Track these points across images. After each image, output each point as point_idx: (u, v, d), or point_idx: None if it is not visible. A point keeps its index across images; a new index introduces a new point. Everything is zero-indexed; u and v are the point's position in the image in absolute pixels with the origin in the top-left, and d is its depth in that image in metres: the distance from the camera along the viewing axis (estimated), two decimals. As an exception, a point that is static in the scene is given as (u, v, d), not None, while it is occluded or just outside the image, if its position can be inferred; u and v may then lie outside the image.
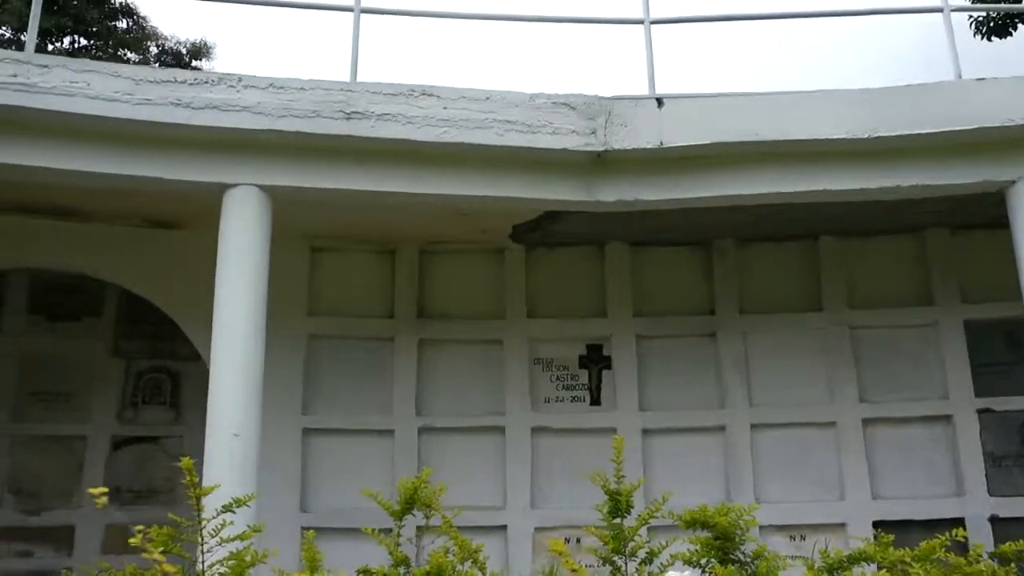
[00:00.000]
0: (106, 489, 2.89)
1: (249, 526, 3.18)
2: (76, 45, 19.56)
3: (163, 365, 7.07)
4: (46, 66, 4.09)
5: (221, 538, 3.00)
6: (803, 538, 5.76)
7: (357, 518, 5.64)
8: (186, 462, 2.94)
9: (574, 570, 2.52)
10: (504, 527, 5.75)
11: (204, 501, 3.15)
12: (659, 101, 4.59)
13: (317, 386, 5.88)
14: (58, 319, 6.85)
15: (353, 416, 5.86)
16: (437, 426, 5.87)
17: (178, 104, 4.22)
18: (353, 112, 4.30)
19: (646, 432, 5.95)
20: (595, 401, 6.10)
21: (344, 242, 6.04)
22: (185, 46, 20.19)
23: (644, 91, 4.83)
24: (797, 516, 5.72)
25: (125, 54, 20.16)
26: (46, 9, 18.21)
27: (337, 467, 5.82)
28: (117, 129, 4.20)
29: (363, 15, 4.69)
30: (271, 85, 4.31)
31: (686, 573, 2.68)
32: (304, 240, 5.89)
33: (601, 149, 4.51)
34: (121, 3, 19.42)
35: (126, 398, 6.96)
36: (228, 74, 4.30)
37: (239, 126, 4.26)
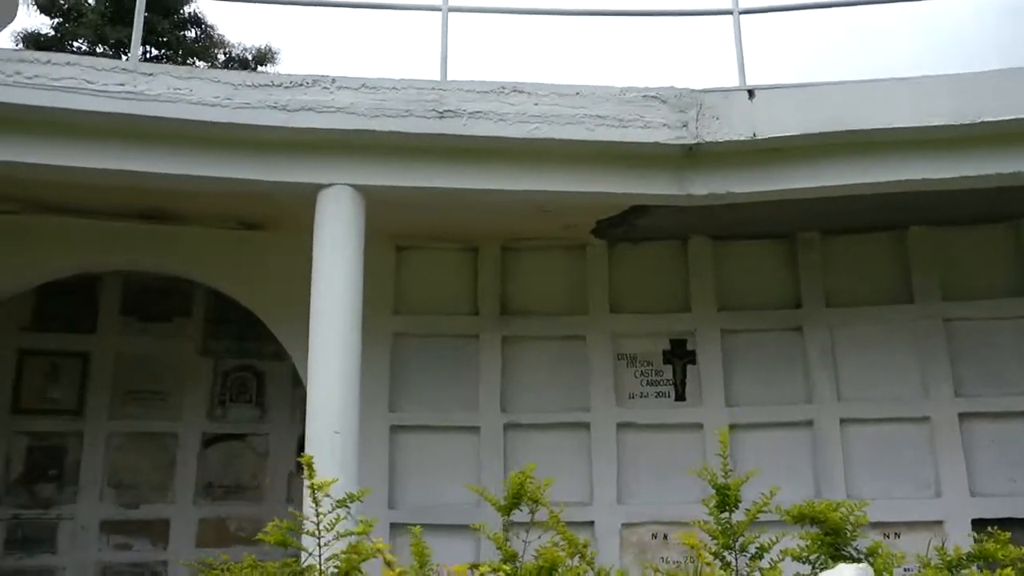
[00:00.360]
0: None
1: (361, 520, 3.22)
2: (148, 56, 20.11)
3: (249, 364, 7.25)
4: (151, 74, 4.22)
5: (338, 532, 3.04)
6: (898, 536, 5.63)
7: (443, 515, 5.73)
8: (306, 457, 3.00)
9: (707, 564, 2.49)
10: (591, 523, 5.73)
11: (308, 496, 3.17)
12: (751, 92, 4.52)
13: (403, 384, 5.94)
14: (150, 320, 7.08)
15: (438, 413, 5.92)
16: (522, 422, 5.89)
17: (275, 107, 4.32)
18: (446, 111, 4.34)
19: (733, 427, 5.87)
20: (680, 396, 6.05)
21: (427, 241, 6.10)
22: (251, 52, 20.60)
23: (730, 83, 4.78)
24: (891, 513, 5.58)
25: (194, 62, 20.67)
26: (119, 21, 18.84)
27: (423, 464, 5.88)
28: (217, 133, 4.31)
29: (450, 13, 4.73)
30: (363, 85, 4.37)
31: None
32: (389, 239, 5.96)
33: (693, 142, 4.47)
34: (190, 13, 19.91)
35: (215, 396, 7.15)
36: (322, 76, 4.37)
37: (333, 127, 4.34)
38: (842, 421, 5.83)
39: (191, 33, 20.44)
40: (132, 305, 7.03)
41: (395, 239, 5.99)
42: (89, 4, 18.89)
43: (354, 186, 4.44)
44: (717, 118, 4.48)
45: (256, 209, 5.63)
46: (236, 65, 20.39)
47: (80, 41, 18.24)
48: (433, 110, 4.35)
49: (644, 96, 4.47)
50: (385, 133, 4.36)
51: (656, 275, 6.18)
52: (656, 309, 6.14)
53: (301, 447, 7.16)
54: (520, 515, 3.38)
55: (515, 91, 4.38)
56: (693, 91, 4.53)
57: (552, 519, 3.45)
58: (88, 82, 4.14)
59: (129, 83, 4.18)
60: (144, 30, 19.92)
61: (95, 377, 6.86)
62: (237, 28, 32.85)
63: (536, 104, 4.38)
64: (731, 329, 6.09)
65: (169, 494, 6.93)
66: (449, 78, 4.57)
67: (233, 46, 20.65)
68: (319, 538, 3.08)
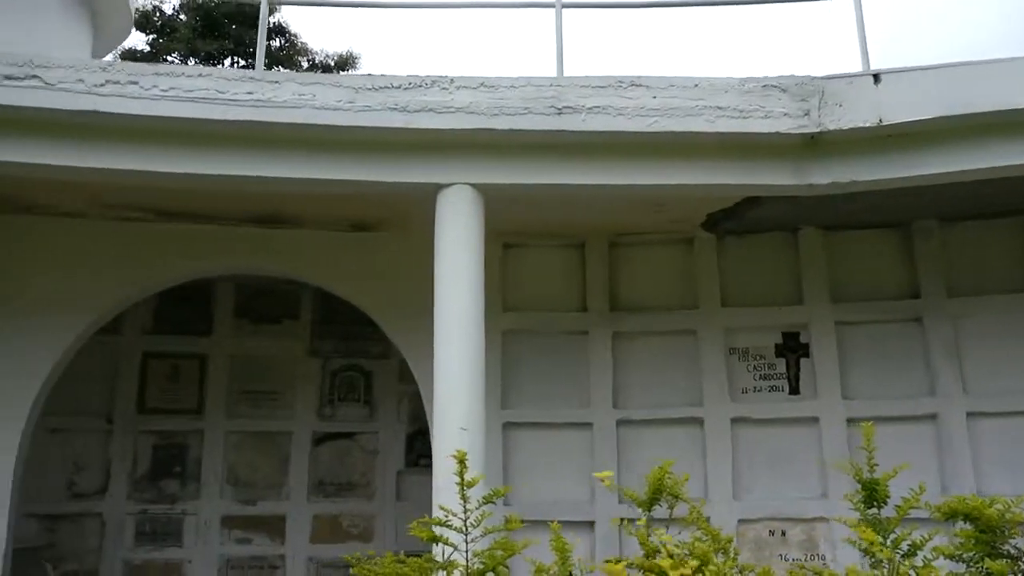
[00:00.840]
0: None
1: (506, 517, 3.24)
2: (236, 66, 20.69)
3: (356, 364, 7.40)
4: (277, 82, 4.34)
5: (486, 528, 3.06)
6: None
7: (556, 511, 5.72)
8: (460, 453, 3.03)
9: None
10: (707, 518, 5.64)
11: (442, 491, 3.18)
12: (875, 77, 4.40)
13: (513, 381, 5.98)
14: (261, 322, 7.29)
15: (549, 410, 5.93)
16: (634, 418, 5.86)
17: (395, 108, 4.39)
18: (564, 107, 4.34)
19: (851, 421, 5.73)
20: (794, 390, 5.93)
21: (534, 238, 6.12)
22: (332, 58, 21.04)
23: (847, 69, 4.65)
24: (1028, 510, 5.35)
25: (279, 70, 21.17)
26: (208, 34, 19.47)
27: (534, 460, 5.90)
28: (340, 136, 4.40)
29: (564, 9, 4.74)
30: (482, 84, 4.40)
31: None
32: (496, 236, 5.99)
33: (815, 130, 4.38)
34: (274, 23, 20.40)
35: (323, 396, 7.33)
36: (440, 76, 4.43)
37: (453, 127, 4.39)
38: (969, 415, 5.63)
39: (276, 42, 20.96)
40: (244, 308, 7.26)
41: (502, 236, 6.03)
42: (181, 20, 19.57)
43: (474, 185, 4.49)
44: (840, 105, 4.37)
45: (369, 211, 5.74)
46: (319, 71, 20.83)
47: (173, 55, 18.90)
48: (552, 106, 4.36)
49: (764, 86, 4.39)
50: (504, 131, 4.39)
51: (766, 267, 6.07)
52: (767, 302, 6.02)
53: (410, 446, 7.33)
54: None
55: (633, 85, 4.35)
56: (814, 78, 4.43)
57: (692, 514, 3.42)
58: (219, 92, 4.28)
59: (257, 91, 4.31)
60: (233, 41, 20.41)
61: (212, 378, 7.12)
62: (318, 36, 33.61)
63: (654, 97, 4.35)
64: (846, 321, 5.94)
65: (284, 491, 7.13)
66: (568, 74, 4.58)
67: (316, 53, 21.13)
68: (466, 534, 3.10)
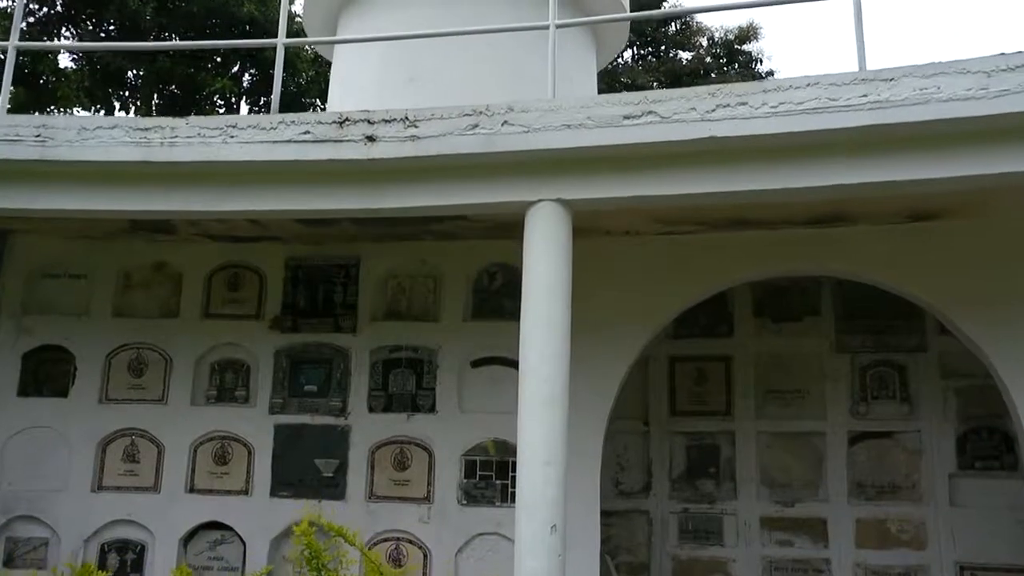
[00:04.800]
0: None
1: None
2: (635, 56, 21.12)
3: (888, 359, 6.95)
4: (892, 79, 4.05)
5: None
6: None
7: None
8: None
9: None
10: None
11: None
12: None
13: None
14: (781, 320, 7.15)
15: None
16: None
17: (1036, 87, 3.86)
18: None
19: None
20: None
21: None
22: (732, 32, 20.55)
23: None
24: None
25: (677, 54, 21.22)
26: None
27: None
28: (970, 128, 3.99)
29: None
30: None
31: None
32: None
33: None
34: (670, 8, 20.43)
35: (854, 393, 6.98)
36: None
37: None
38: None
39: (672, 27, 21.02)
40: (762, 307, 7.16)
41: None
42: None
43: None
44: None
45: (931, 200, 5.27)
46: (719, 50, 20.49)
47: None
48: None
49: None
50: None
51: None
52: None
53: (960, 447, 6.71)
54: None
55: None
56: None
57: None
58: (831, 100, 4.11)
59: (872, 92, 4.06)
60: (635, 34, 20.70)
61: (738, 379, 7.13)
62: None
63: None
64: None
65: (820, 492, 6.92)
66: None
67: (714, 30, 20.81)
68: None
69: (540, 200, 4.55)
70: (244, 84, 16.26)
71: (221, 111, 15.64)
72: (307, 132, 4.61)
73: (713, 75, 19.45)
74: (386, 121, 4.56)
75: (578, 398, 4.72)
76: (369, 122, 4.58)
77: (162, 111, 15.51)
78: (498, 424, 5.96)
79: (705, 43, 20.42)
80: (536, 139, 4.42)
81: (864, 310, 6.90)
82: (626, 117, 4.34)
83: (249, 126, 4.67)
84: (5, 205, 4.91)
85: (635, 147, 4.36)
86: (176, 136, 4.66)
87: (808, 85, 4.17)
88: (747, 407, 7.10)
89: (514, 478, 5.83)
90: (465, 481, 6.04)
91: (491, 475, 6.07)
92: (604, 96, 4.59)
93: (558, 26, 4.70)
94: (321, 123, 4.62)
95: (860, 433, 6.92)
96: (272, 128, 4.63)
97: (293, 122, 4.64)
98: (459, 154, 4.51)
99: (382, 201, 4.73)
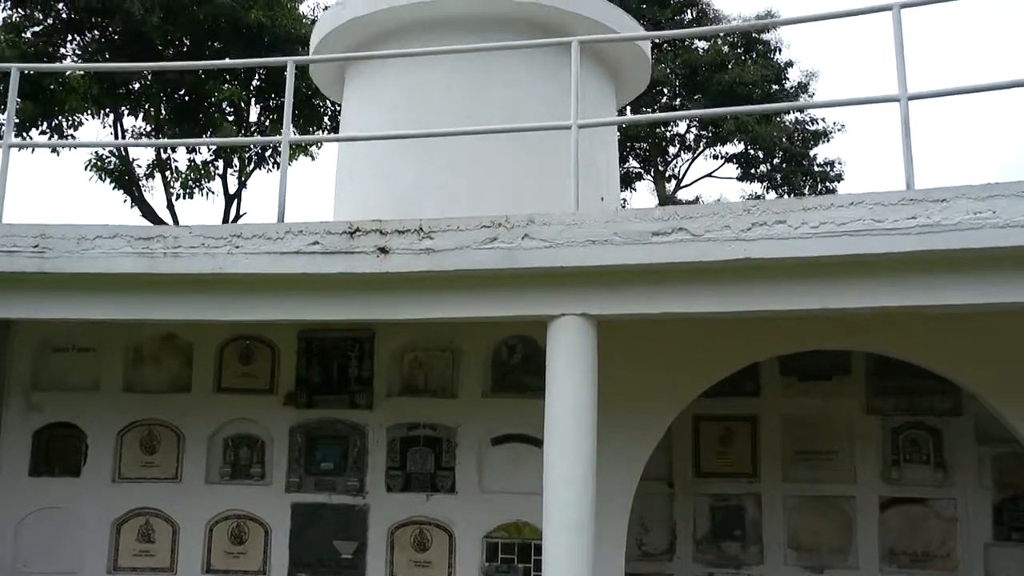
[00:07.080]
0: None
1: None
2: (654, 44, 20.60)
3: (921, 421, 6.71)
4: (944, 200, 3.77)
5: None
6: None
7: None
8: None
9: None
10: None
11: None
12: None
13: None
14: (809, 379, 6.90)
15: None
16: None
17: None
18: None
19: None
20: None
21: None
22: (749, 20, 20.00)
23: None
24: None
25: (693, 44, 20.71)
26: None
27: None
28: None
29: None
30: None
31: None
32: None
33: None
34: (682, -3, 19.88)
35: (886, 456, 6.76)
36: None
37: None
38: None
39: (688, 15, 20.53)
40: (790, 366, 6.91)
41: None
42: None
43: None
44: None
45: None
46: (735, 38, 19.96)
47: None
48: None
49: None
50: None
51: None
52: None
53: (997, 516, 6.49)
54: None
55: None
56: None
57: None
58: (876, 221, 3.84)
59: (921, 215, 3.78)
60: (646, 20, 20.05)
61: (764, 439, 6.92)
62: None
63: None
64: None
65: (850, 558, 6.74)
66: None
67: (731, 19, 20.30)
68: None
69: (563, 315, 4.32)
70: (252, 87, 15.93)
71: (230, 118, 15.36)
72: (316, 243, 4.38)
73: (730, 66, 18.97)
74: (399, 232, 4.33)
75: (604, 473, 4.55)
76: (381, 232, 4.35)
77: (170, 119, 15.25)
78: (519, 505, 5.80)
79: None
80: (558, 255, 4.18)
81: (896, 371, 6.63)
82: (655, 234, 4.09)
83: (255, 235, 4.44)
84: (3, 315, 4.73)
85: (665, 265, 4.11)
86: (179, 246, 4.45)
87: (852, 204, 3.90)
88: (774, 468, 6.90)
89: (537, 561, 5.72)
90: (487, 564, 5.90)
91: (513, 558, 5.92)
92: (632, 211, 4.38)
93: (580, 126, 4.42)
94: (330, 233, 4.39)
95: (892, 498, 6.71)
96: (279, 238, 4.41)
97: (301, 232, 4.41)
98: (477, 269, 4.28)
99: (396, 312, 4.52)
